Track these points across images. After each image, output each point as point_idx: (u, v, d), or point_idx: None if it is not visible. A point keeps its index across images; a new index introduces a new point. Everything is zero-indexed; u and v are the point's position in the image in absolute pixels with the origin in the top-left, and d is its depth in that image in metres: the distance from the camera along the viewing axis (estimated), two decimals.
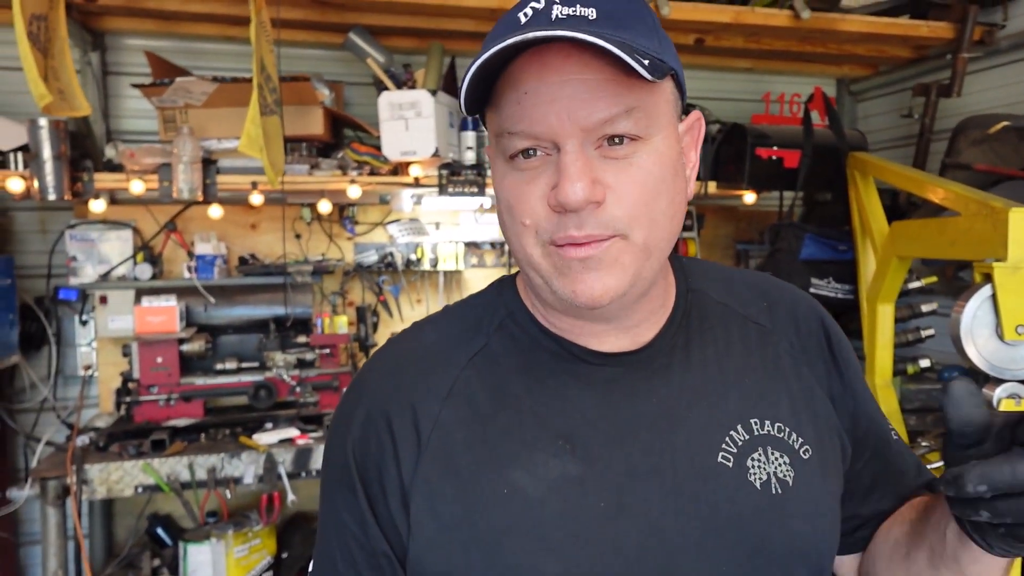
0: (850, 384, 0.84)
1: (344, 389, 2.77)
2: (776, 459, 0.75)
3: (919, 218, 2.45)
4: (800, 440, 0.77)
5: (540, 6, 0.66)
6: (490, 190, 2.73)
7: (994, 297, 1.66)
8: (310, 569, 0.81)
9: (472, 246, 3.22)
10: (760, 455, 0.74)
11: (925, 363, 2.58)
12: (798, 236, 2.71)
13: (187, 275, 2.80)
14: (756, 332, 0.82)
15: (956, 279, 2.70)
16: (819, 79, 3.50)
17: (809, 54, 3.16)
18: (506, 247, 3.22)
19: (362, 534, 0.74)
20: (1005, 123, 2.43)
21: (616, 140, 0.66)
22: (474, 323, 0.80)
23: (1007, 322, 1.64)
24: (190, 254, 2.86)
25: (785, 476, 0.74)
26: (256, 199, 2.54)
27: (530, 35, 0.61)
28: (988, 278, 1.67)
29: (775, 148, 2.76)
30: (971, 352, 1.69)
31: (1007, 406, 1.68)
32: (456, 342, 0.78)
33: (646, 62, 0.62)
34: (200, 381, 2.68)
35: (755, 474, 0.74)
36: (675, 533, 0.70)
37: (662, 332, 0.78)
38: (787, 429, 0.77)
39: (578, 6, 0.65)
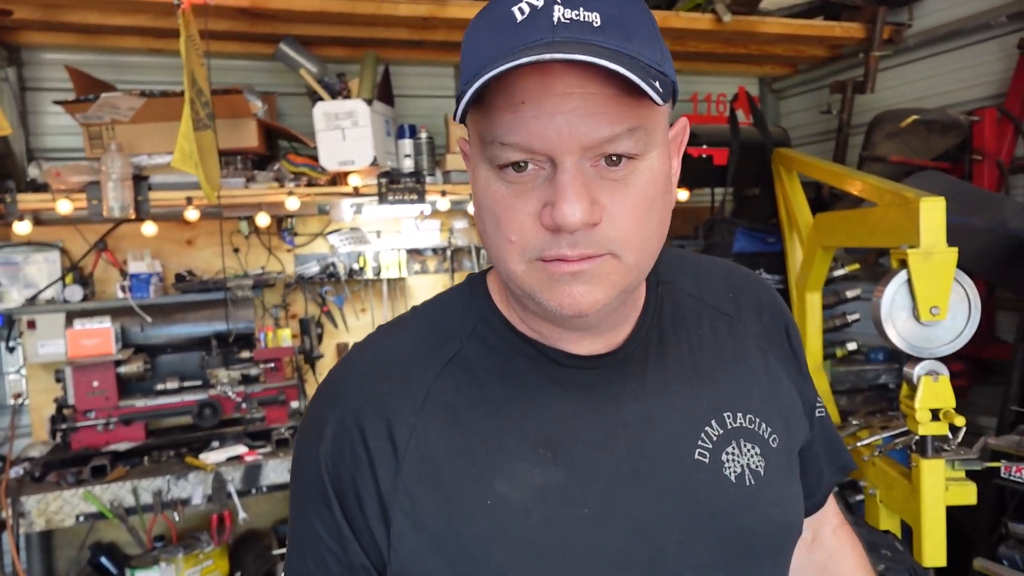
0: (805, 371, 0.87)
1: (308, 403, 2.72)
2: (749, 450, 0.76)
3: (841, 210, 2.58)
4: (769, 430, 0.78)
5: (539, 5, 0.60)
6: (430, 197, 2.75)
7: (909, 282, 1.77)
8: None
9: (414, 253, 3.22)
10: (734, 448, 0.75)
11: (852, 346, 2.72)
12: (730, 231, 2.82)
13: (121, 295, 2.72)
14: (725, 323, 0.82)
15: (877, 265, 2.86)
16: (743, 79, 3.64)
17: (732, 55, 3.28)
18: (448, 252, 3.24)
19: (339, 548, 0.72)
20: (915, 117, 2.58)
21: (614, 159, 0.62)
22: (446, 327, 0.77)
23: (922, 304, 1.76)
24: (123, 273, 2.78)
25: (757, 467, 0.76)
26: (192, 215, 2.50)
27: (534, 58, 0.56)
28: (903, 264, 1.78)
29: (704, 147, 2.87)
30: (891, 334, 1.80)
31: (926, 383, 1.80)
32: (429, 348, 0.75)
33: (656, 83, 0.59)
34: (140, 403, 2.61)
35: (730, 467, 0.74)
36: (658, 533, 0.70)
37: (635, 331, 0.76)
38: (757, 420, 0.78)
39: (581, 9, 0.60)
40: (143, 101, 2.30)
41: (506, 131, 0.61)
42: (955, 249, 1.74)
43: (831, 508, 0.98)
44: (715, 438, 0.75)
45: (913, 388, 1.81)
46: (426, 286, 3.29)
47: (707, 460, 0.74)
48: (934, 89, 2.88)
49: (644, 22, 0.64)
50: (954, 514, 2.17)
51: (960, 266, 2.55)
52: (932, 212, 1.75)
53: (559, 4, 0.60)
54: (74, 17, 2.44)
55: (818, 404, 0.91)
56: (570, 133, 0.60)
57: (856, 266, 2.60)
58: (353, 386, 0.74)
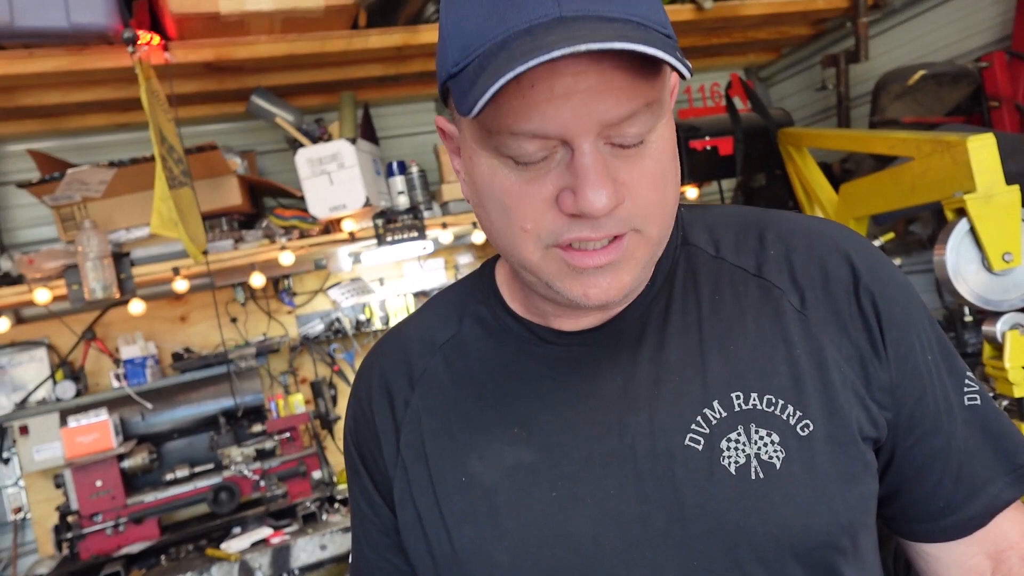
0: (892, 345, 0.69)
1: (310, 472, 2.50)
2: (761, 439, 0.65)
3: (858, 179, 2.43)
4: (799, 414, 0.66)
5: None
6: (431, 232, 2.59)
7: (973, 230, 1.61)
8: (350, 561, 0.85)
9: (422, 295, 3.05)
10: (739, 435, 0.66)
11: None
12: None
13: (116, 384, 2.53)
14: (756, 289, 0.70)
15: (908, 234, 2.70)
16: (727, 72, 3.53)
17: (715, 47, 3.19)
18: None
19: (375, 516, 0.78)
20: (922, 72, 2.46)
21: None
22: (450, 311, 0.80)
23: (992, 252, 1.59)
24: (117, 361, 2.60)
25: (772, 458, 0.65)
26: (180, 285, 2.33)
27: (555, 53, 0.50)
28: (962, 213, 1.62)
29: (707, 138, 2.73)
30: (963, 291, 1.63)
31: (1013, 338, 1.62)
32: (432, 330, 0.79)
33: (678, 53, 0.55)
34: (150, 497, 2.40)
35: (730, 457, 0.65)
36: (636, 523, 0.65)
37: (635, 302, 0.71)
38: (780, 402, 0.66)
39: None
40: (113, 172, 2.15)
41: (516, 118, 0.56)
42: (1016, 187, 1.59)
43: (1019, 530, 0.74)
44: (714, 421, 0.66)
45: (999, 347, 1.64)
46: None
47: (700, 447, 0.65)
48: (931, 46, 2.77)
49: None
50: None
51: None
52: (983, 151, 1.60)
53: None
54: (31, 99, 2.32)
55: (968, 388, 0.73)
56: (587, 113, 0.56)
57: (891, 235, 2.44)
58: (370, 368, 0.82)
